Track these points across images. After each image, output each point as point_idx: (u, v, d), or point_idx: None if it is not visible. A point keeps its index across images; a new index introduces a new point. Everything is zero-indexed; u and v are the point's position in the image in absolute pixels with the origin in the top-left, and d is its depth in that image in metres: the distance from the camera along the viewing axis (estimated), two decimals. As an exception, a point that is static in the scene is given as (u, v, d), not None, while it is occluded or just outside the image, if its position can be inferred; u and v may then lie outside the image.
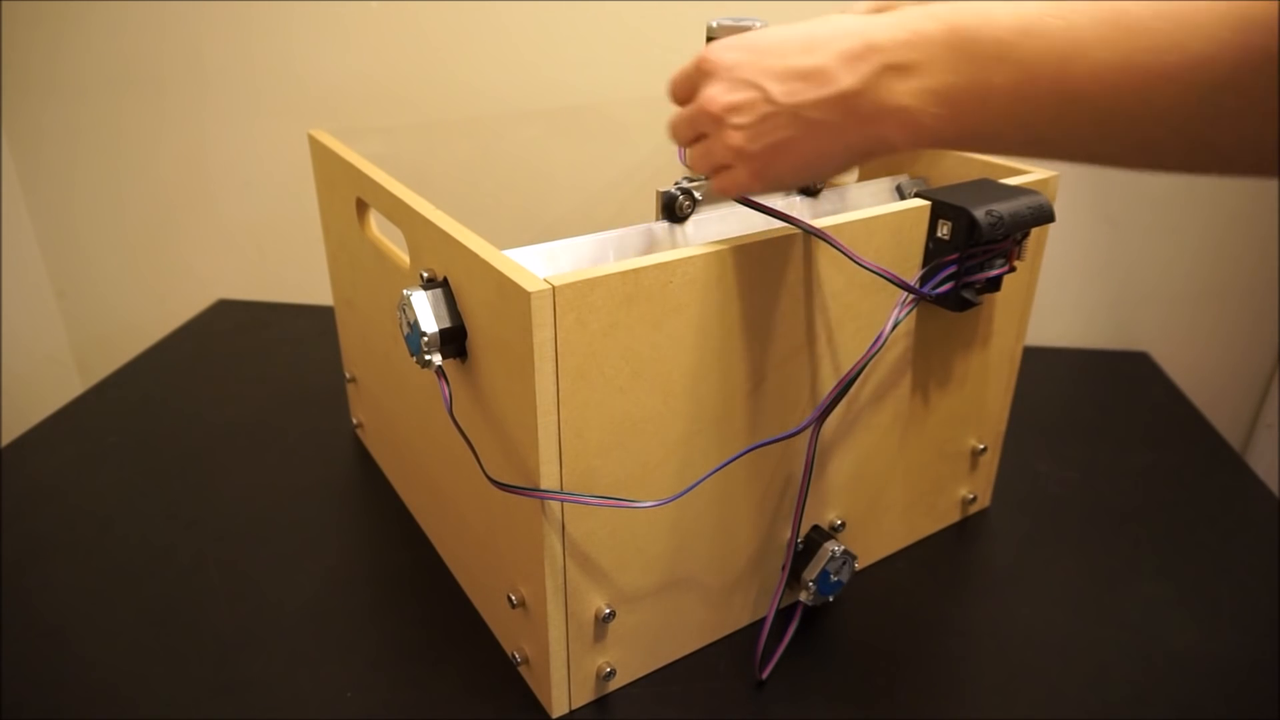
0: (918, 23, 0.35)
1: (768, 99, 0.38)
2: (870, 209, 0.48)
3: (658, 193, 0.52)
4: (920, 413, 0.56)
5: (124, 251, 1.07)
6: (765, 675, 0.50)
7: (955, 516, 0.64)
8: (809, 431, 0.48)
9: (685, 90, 0.42)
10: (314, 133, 0.63)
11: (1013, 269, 0.51)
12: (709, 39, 0.58)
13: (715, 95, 0.39)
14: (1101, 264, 0.93)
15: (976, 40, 0.33)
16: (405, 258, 0.50)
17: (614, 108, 0.93)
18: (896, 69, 0.35)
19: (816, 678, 0.50)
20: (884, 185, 0.61)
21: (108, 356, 1.08)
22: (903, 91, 0.35)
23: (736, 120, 0.39)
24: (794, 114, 0.37)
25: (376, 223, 0.57)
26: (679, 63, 0.44)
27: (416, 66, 0.93)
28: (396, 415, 0.61)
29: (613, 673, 0.48)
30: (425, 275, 0.45)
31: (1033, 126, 0.33)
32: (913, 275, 0.49)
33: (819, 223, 0.45)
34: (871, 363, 0.51)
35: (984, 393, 0.60)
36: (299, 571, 0.58)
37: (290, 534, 0.62)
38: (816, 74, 0.37)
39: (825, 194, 0.59)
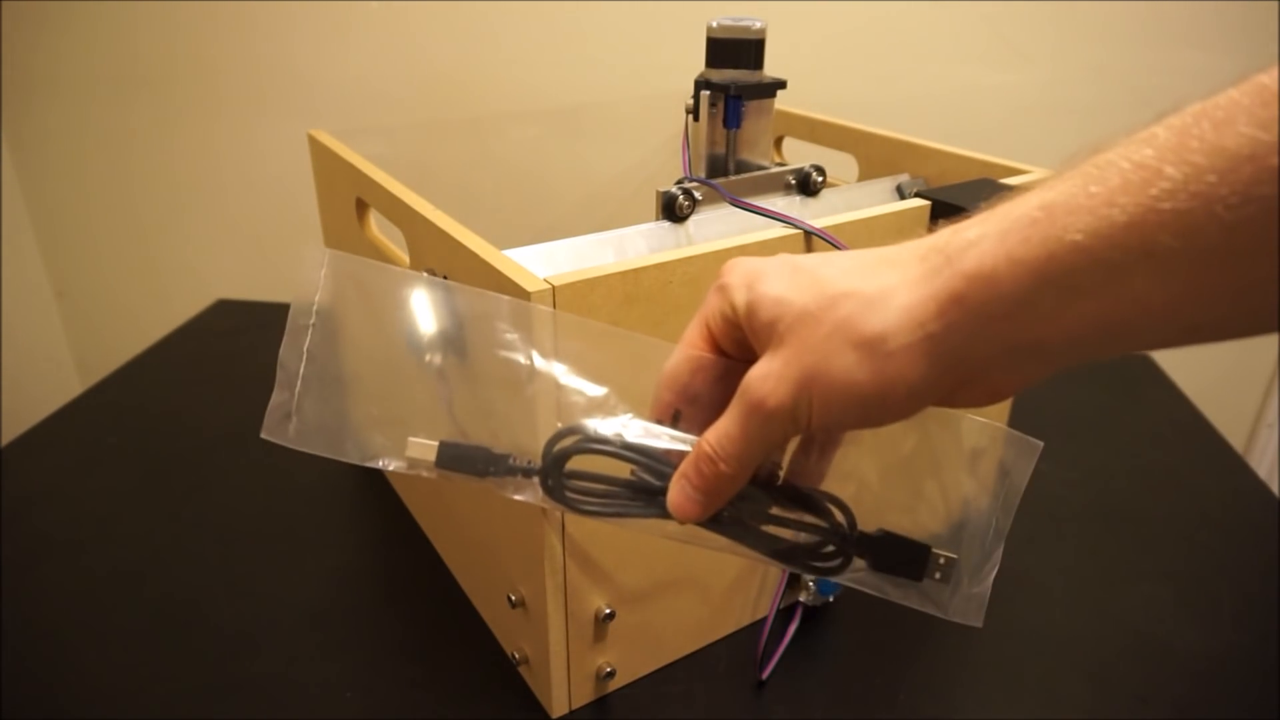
0: None
1: None
2: (870, 209, 0.48)
3: (658, 193, 0.52)
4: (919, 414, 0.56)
5: (124, 251, 1.07)
6: (765, 675, 0.50)
7: (956, 516, 0.64)
8: (809, 431, 0.48)
9: None
10: (314, 133, 0.63)
11: (1013, 269, 0.51)
12: (709, 39, 0.58)
13: None
14: (1101, 264, 0.93)
15: None
16: (405, 257, 0.50)
17: (614, 108, 0.93)
18: None
19: (816, 678, 0.50)
20: (884, 185, 0.61)
21: (107, 356, 1.08)
22: None
23: None
24: None
25: (376, 223, 0.57)
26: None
27: (417, 66, 0.93)
28: (396, 415, 0.61)
29: (613, 673, 0.48)
30: (426, 274, 0.45)
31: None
32: (913, 275, 0.49)
33: (819, 223, 0.45)
34: (871, 363, 0.51)
35: (984, 393, 0.59)
36: (299, 571, 0.58)
37: (290, 534, 0.62)
38: None
39: (825, 194, 0.59)
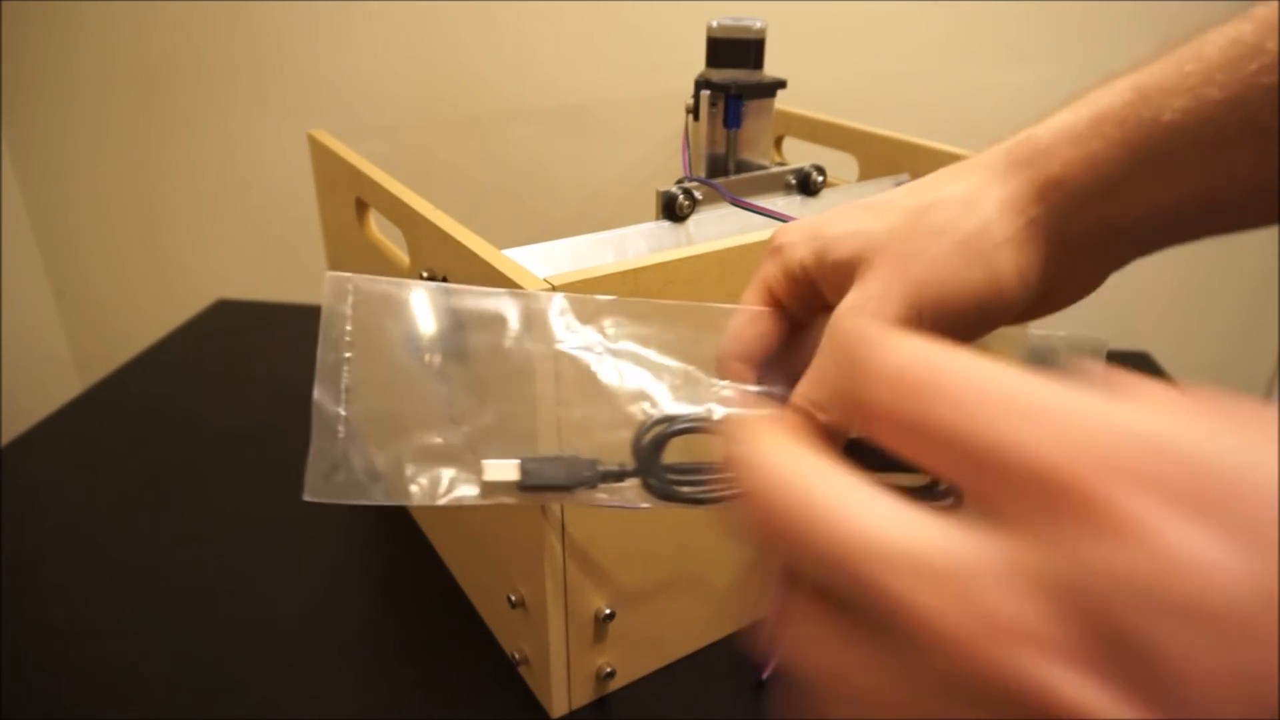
0: None
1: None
2: (870, 209, 0.47)
3: (658, 192, 0.52)
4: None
5: (124, 251, 1.07)
6: (765, 675, 0.50)
7: (955, 516, 0.64)
8: (809, 431, 0.47)
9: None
10: (314, 133, 0.63)
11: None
12: (709, 39, 0.58)
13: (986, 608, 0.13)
14: (1101, 264, 0.93)
15: None
16: (405, 258, 0.50)
17: (614, 108, 0.93)
18: None
19: (816, 678, 0.50)
20: (884, 185, 0.61)
21: (107, 356, 1.08)
22: None
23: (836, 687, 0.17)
24: None
25: (376, 223, 0.57)
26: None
27: (417, 66, 0.93)
28: (396, 415, 0.61)
29: (613, 673, 0.48)
30: (425, 275, 0.45)
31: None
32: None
33: (819, 223, 0.45)
34: (871, 363, 0.51)
35: (984, 393, 0.59)
36: (299, 571, 0.58)
37: (290, 534, 0.62)
38: None
39: (825, 193, 0.59)
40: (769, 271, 0.30)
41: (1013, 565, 0.13)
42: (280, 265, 1.04)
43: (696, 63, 0.58)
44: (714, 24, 0.57)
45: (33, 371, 1.08)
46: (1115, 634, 0.12)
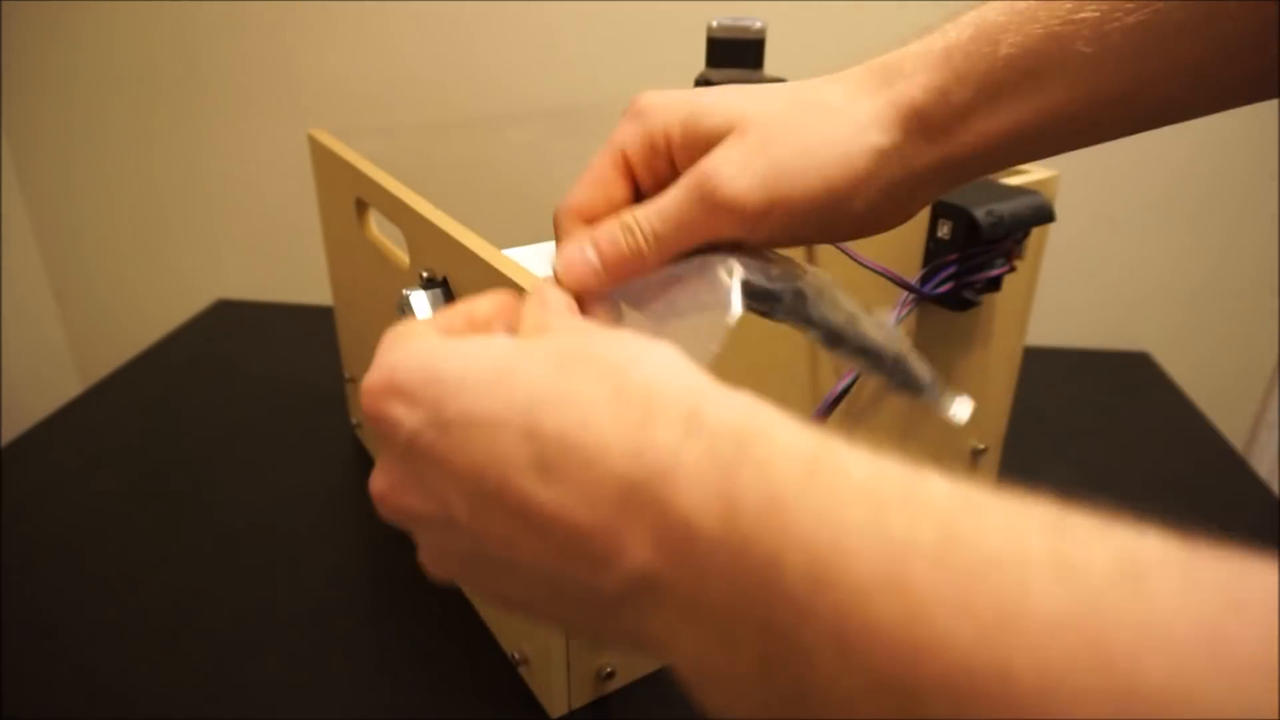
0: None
1: (451, 521, 0.25)
2: (870, 209, 0.47)
3: (658, 193, 0.52)
4: (920, 413, 0.56)
5: (123, 251, 1.07)
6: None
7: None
8: (809, 431, 0.47)
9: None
10: (314, 133, 0.63)
11: (1013, 269, 0.51)
12: (709, 39, 0.58)
13: (380, 487, 0.27)
14: (1101, 264, 0.93)
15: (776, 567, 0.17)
16: (405, 258, 0.50)
17: (614, 108, 0.93)
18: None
19: (816, 678, 0.50)
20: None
21: (107, 356, 1.08)
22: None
23: (419, 531, 0.29)
24: (495, 561, 0.24)
25: (376, 223, 0.57)
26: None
27: (416, 66, 0.93)
28: (396, 415, 0.61)
29: (613, 673, 0.48)
30: (425, 275, 0.45)
31: None
32: (913, 275, 0.49)
33: (819, 223, 0.45)
34: (871, 363, 0.51)
35: (984, 393, 0.60)
36: (299, 572, 0.58)
37: (290, 534, 0.62)
38: (540, 519, 0.21)
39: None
40: (628, 135, 0.30)
41: (384, 408, 0.24)
42: (280, 265, 1.04)
43: (696, 63, 0.58)
44: (714, 24, 0.57)
45: (33, 371, 1.08)
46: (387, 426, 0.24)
